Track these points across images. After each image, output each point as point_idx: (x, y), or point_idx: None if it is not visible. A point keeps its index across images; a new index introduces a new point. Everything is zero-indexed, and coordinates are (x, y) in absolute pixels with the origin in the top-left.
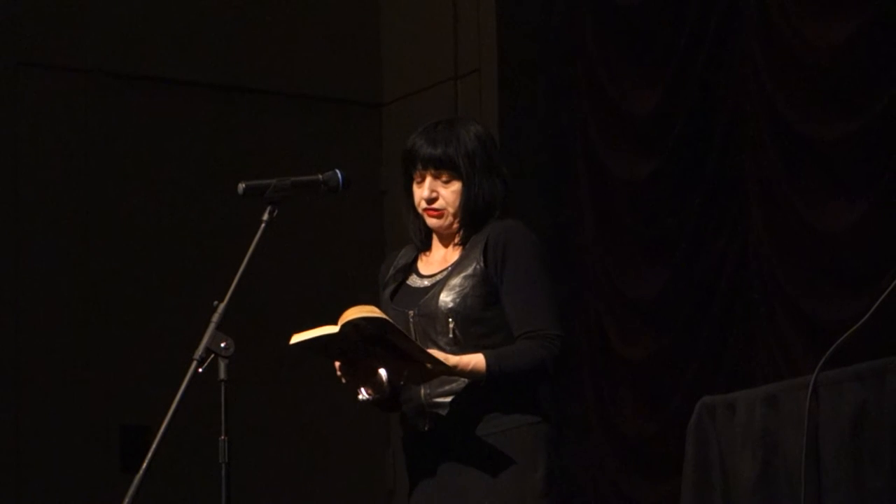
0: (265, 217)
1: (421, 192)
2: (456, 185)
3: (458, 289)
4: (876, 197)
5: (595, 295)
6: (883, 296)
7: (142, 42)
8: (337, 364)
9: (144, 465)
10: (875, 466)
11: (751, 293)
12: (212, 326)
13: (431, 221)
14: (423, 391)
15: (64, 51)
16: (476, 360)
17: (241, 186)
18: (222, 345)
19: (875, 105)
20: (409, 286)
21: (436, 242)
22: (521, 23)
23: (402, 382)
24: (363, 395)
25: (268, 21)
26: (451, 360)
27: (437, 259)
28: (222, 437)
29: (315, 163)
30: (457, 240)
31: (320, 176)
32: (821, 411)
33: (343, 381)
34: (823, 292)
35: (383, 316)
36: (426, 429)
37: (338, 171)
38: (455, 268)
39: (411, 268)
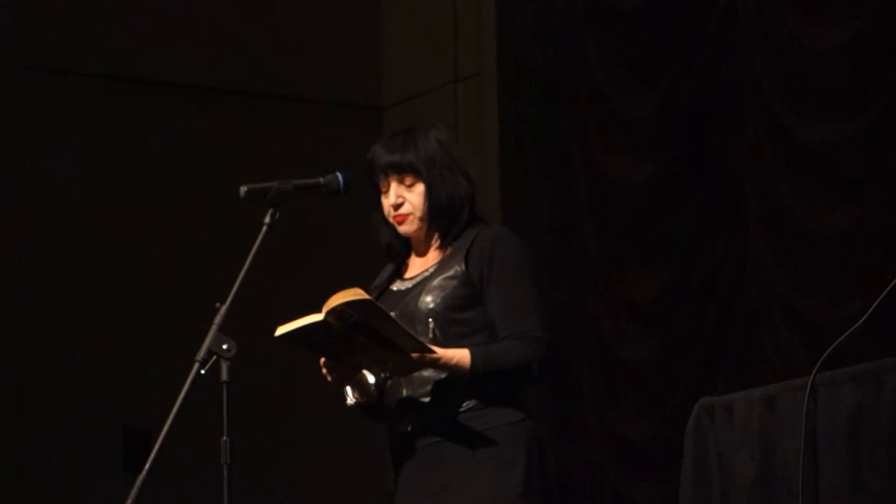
0: (267, 220)
1: (388, 201)
2: (420, 188)
3: (438, 290)
4: (873, 199)
5: (594, 297)
6: (880, 297)
7: (143, 46)
8: (322, 361)
9: (147, 465)
10: (872, 467)
11: (748, 295)
12: (214, 328)
13: (401, 228)
14: (404, 390)
15: (67, 55)
16: (461, 354)
17: (243, 189)
18: (224, 346)
19: (872, 108)
20: (391, 290)
21: (414, 248)
22: (521, 27)
23: (387, 374)
24: (350, 398)
25: (269, 25)
26: (437, 351)
27: (419, 263)
28: (224, 438)
29: (316, 166)
30: (435, 243)
31: (321, 179)
32: (818, 412)
33: (328, 378)
34: (821, 294)
35: (367, 297)
36: (408, 429)
37: (339, 174)
38: (437, 270)
39: (395, 274)
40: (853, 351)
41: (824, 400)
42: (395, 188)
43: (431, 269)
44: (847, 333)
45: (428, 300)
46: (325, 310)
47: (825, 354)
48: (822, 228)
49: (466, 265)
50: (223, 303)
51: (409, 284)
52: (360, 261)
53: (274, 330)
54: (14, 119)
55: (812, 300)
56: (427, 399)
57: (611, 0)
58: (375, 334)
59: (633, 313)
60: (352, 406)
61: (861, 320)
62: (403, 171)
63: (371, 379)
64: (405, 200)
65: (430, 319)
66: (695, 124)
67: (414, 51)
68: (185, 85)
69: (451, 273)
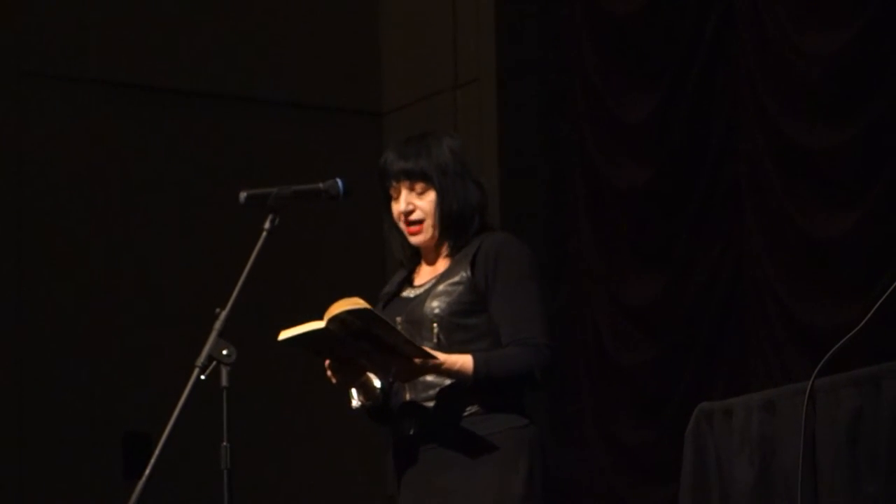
0: (266, 225)
1: (398, 207)
2: (431, 195)
3: (443, 295)
4: (869, 204)
5: (592, 302)
6: (879, 302)
7: (144, 52)
8: (326, 363)
9: (147, 471)
10: (871, 472)
11: (747, 300)
12: (214, 334)
13: (413, 238)
14: (408, 394)
15: (67, 61)
16: (464, 360)
17: (243, 195)
18: (224, 352)
19: (868, 114)
20: (400, 297)
21: (424, 256)
22: (520, 33)
23: (389, 379)
24: (356, 401)
25: (269, 31)
26: (440, 357)
27: (428, 270)
28: (224, 444)
29: (316, 172)
30: (444, 251)
31: (321, 185)
32: (817, 417)
33: (333, 381)
34: (818, 299)
35: (368, 306)
36: (411, 432)
37: (338, 179)
38: (443, 276)
39: (406, 281)
40: (852, 355)
41: (823, 404)
42: (405, 195)
43: (438, 276)
44: (846, 338)
45: (433, 305)
46: (326, 317)
47: (824, 359)
48: (819, 233)
49: (472, 271)
50: (223, 308)
51: (418, 291)
52: (360, 266)
53: (274, 335)
54: (14, 124)
55: (810, 305)
56: (430, 403)
57: (609, 5)
58: (378, 341)
59: (630, 318)
60: (357, 408)
61: (860, 325)
62: (415, 177)
63: (377, 382)
64: (416, 207)
65: (435, 324)
66: (692, 129)
67: (413, 56)
68: (185, 91)
69: (456, 279)
